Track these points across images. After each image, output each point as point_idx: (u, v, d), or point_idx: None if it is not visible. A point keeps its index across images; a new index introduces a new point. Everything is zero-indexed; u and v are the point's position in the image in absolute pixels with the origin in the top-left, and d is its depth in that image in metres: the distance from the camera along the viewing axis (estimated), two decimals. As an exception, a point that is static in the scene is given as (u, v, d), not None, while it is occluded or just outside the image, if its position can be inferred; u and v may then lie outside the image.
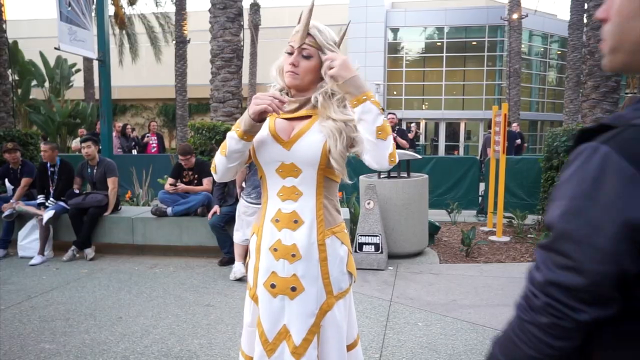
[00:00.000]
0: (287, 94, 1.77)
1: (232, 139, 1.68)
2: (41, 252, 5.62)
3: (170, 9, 19.89)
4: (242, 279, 4.77)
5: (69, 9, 7.07)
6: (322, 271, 1.71)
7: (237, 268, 4.86)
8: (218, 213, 5.35)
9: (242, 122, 1.66)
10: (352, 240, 5.47)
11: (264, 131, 1.73)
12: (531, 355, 0.79)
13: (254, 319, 1.78)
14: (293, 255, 1.68)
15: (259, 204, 4.16)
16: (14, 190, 6.12)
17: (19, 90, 17.33)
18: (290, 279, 1.68)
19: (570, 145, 0.81)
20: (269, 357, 1.69)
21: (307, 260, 1.68)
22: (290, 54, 1.70)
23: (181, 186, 5.84)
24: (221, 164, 1.75)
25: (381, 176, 5.65)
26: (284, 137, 1.71)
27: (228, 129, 1.75)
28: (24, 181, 6.07)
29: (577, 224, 0.73)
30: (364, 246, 5.22)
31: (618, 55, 0.79)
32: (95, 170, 5.98)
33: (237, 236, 4.89)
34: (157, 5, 21.28)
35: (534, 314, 0.78)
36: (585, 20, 7.96)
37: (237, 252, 4.92)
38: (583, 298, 0.73)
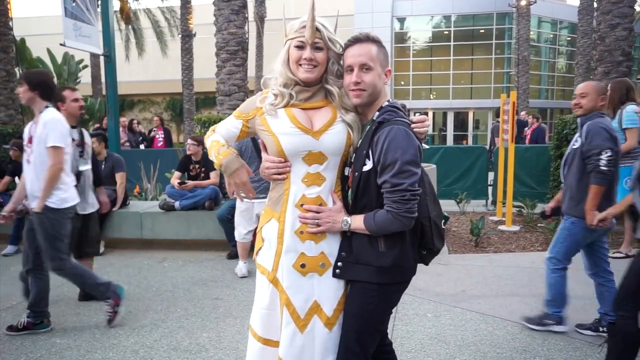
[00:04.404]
0: (296, 84, 1.82)
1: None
2: (52, 247, 5.66)
3: (176, 2, 19.89)
4: (250, 273, 4.79)
5: (74, 4, 7.06)
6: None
7: (240, 267, 4.81)
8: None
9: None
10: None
11: (286, 124, 1.78)
12: (400, 228, 1.69)
13: (273, 302, 1.82)
14: (319, 236, 1.79)
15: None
16: (23, 187, 6.16)
17: (28, 88, 17.42)
18: (319, 257, 1.79)
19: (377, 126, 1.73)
20: (302, 332, 1.76)
21: (332, 239, 1.81)
22: (300, 47, 1.75)
23: (190, 183, 5.84)
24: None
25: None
26: (309, 127, 1.78)
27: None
28: (33, 177, 6.08)
29: (408, 156, 1.65)
30: (372, 237, 5.20)
31: (371, 98, 1.77)
32: (103, 166, 5.99)
33: (239, 233, 4.78)
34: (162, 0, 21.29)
35: (406, 205, 1.64)
36: (595, 5, 7.79)
37: (240, 250, 4.82)
38: (417, 183, 1.68)
